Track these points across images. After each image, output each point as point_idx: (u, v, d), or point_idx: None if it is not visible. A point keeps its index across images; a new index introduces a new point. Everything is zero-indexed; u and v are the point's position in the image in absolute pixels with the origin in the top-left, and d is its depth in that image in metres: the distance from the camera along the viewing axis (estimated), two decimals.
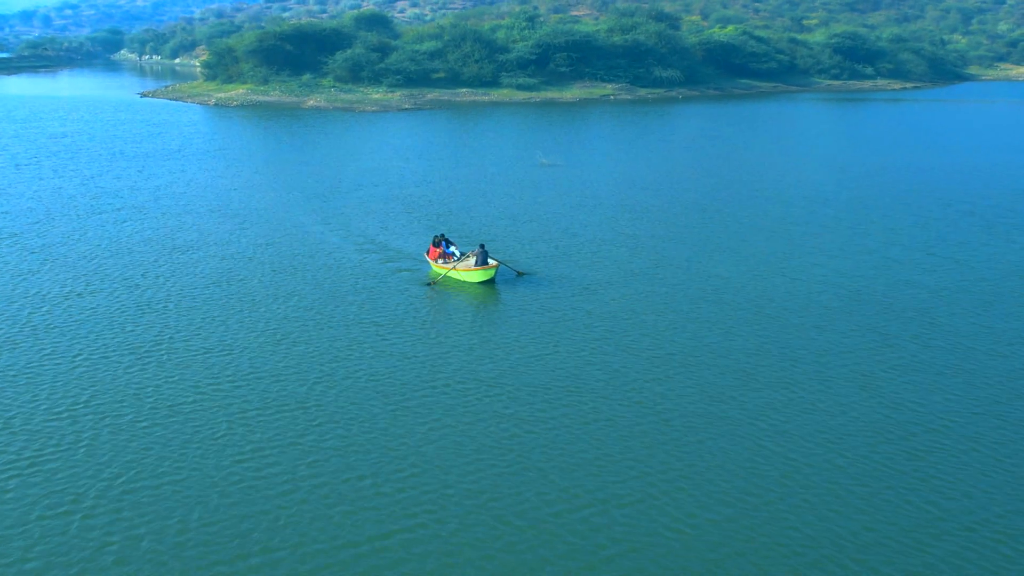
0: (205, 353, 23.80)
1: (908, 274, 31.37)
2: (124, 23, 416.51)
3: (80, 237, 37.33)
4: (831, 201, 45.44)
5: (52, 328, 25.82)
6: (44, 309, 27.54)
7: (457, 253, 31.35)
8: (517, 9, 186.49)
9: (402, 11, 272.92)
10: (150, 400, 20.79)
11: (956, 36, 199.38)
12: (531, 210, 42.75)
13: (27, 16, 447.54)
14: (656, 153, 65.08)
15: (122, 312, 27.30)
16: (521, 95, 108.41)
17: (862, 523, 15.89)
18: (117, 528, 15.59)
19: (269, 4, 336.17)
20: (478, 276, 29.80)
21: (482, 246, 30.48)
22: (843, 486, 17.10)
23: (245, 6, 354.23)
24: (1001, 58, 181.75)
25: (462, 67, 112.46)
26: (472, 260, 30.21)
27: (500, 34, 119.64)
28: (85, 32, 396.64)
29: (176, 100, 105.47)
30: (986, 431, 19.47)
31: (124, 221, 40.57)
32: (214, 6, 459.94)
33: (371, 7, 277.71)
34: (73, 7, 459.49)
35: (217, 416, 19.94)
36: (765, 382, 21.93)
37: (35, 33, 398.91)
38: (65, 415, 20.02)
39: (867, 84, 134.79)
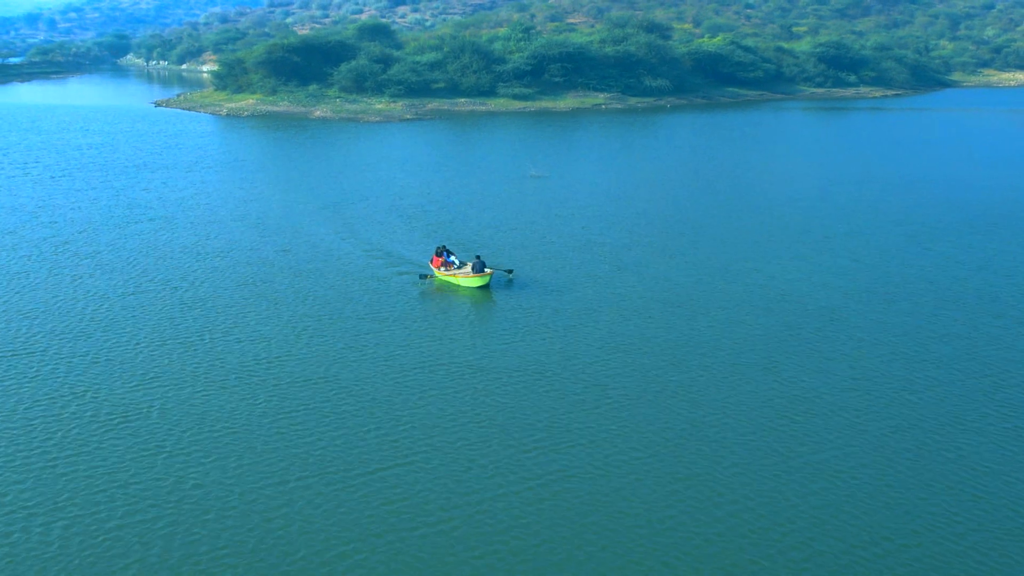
0: (241, 342, 29.56)
1: (828, 277, 37.09)
2: (128, 26, 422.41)
3: (122, 245, 43.08)
4: (780, 212, 51.12)
5: (114, 322, 31.60)
6: (104, 307, 33.32)
7: (456, 262, 36.92)
8: (515, 17, 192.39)
9: (403, 16, 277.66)
10: (203, 378, 26.56)
11: (943, 42, 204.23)
12: (514, 220, 48.49)
13: (32, 19, 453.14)
14: (637, 165, 70.79)
15: (169, 309, 33.09)
16: (517, 104, 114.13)
17: (735, 462, 21.61)
18: (191, 463, 21.36)
19: (272, 9, 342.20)
20: (476, 282, 35.43)
21: (478, 257, 36.20)
22: (728, 438, 22.83)
23: (248, 10, 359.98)
24: (985, 64, 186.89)
25: (461, 77, 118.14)
26: (470, 268, 35.84)
27: (497, 45, 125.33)
28: (90, 35, 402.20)
29: (189, 110, 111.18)
30: (851, 401, 25.19)
31: (158, 230, 46.32)
32: (216, 8, 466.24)
33: (372, 12, 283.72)
34: (77, 10, 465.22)
35: (256, 389, 25.72)
36: (689, 366, 27.66)
37: (40, 36, 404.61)
38: (138, 389, 25.80)
39: (850, 92, 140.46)
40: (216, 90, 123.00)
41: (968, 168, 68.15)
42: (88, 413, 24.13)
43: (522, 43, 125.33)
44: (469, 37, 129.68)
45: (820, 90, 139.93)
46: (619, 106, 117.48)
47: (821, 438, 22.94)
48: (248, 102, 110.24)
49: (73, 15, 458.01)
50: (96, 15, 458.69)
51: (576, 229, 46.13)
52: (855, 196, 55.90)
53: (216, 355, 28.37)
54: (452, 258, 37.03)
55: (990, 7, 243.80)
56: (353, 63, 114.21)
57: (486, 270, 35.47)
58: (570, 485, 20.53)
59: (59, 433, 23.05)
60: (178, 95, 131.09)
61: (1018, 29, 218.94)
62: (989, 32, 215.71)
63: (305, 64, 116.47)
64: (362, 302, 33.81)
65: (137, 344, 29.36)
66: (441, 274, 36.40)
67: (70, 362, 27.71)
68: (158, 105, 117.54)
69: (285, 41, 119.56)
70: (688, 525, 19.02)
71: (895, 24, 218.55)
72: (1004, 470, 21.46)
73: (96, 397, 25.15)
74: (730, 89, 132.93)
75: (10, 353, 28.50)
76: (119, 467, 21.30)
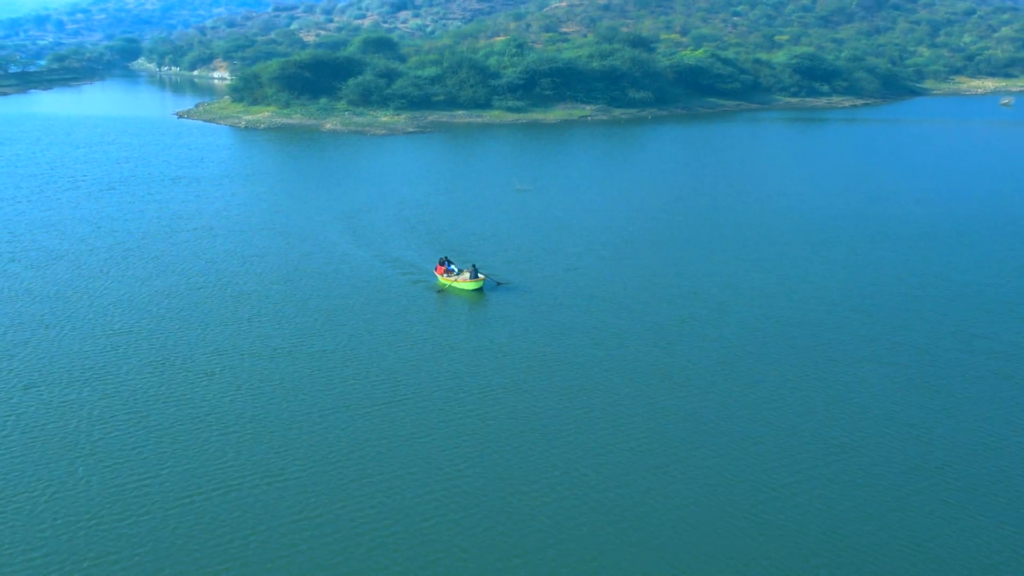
0: (283, 326, 39.97)
1: (730, 278, 47.39)
2: (135, 27, 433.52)
3: (175, 252, 53.40)
4: (716, 221, 61.41)
5: (184, 311, 42.05)
6: (173, 301, 43.73)
7: (456, 269, 46.85)
8: (512, 26, 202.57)
9: (404, 22, 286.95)
10: (255, 350, 37.00)
11: (922, 48, 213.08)
12: (495, 229, 58.82)
13: (40, 20, 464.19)
14: (608, 180, 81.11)
15: (223, 301, 43.51)
16: (510, 116, 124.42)
17: (622, 406, 32.00)
18: (254, 402, 31.80)
19: (277, 13, 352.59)
20: (471, 286, 45.35)
21: (473, 266, 46.14)
22: (621, 391, 33.21)
23: (255, 14, 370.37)
24: (957, 71, 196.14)
25: (459, 91, 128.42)
26: (467, 275, 45.79)
27: (492, 60, 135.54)
28: (98, 36, 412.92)
29: (210, 121, 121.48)
30: (714, 368, 35.53)
31: (202, 239, 56.67)
32: (220, 8, 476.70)
33: (374, 16, 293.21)
34: (84, 11, 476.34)
35: (294, 357, 36.16)
36: (608, 344, 38.01)
37: (49, 38, 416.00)
38: (211, 357, 36.22)
39: (822, 101, 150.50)
40: (233, 102, 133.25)
41: (890, 181, 78.26)
42: (179, 373, 34.63)
43: (516, 58, 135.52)
44: (467, 52, 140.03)
45: (794, 99, 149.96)
46: (604, 117, 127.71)
47: (685, 391, 33.35)
48: (264, 115, 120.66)
49: (80, 16, 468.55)
50: (103, 16, 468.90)
51: (542, 237, 56.47)
52: (783, 207, 66.21)
53: (265, 335, 38.83)
54: (452, 266, 46.93)
55: (971, 12, 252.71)
56: (360, 78, 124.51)
57: (479, 275, 45.45)
58: (508, 414, 31.02)
59: (162, 386, 33.49)
60: (197, 105, 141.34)
61: (994, 36, 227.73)
62: (967, 39, 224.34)
63: (315, 79, 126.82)
64: (373, 297, 44.21)
65: (205, 326, 39.83)
66: (444, 279, 46.37)
67: (159, 339, 38.21)
68: (180, 117, 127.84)
69: (297, 57, 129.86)
70: (578, 438, 29.46)
71: (877, 30, 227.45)
72: (790, 405, 31.84)
73: (182, 363, 35.64)
74: (709, 99, 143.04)
75: (113, 333, 39.02)
76: (205, 406, 31.79)
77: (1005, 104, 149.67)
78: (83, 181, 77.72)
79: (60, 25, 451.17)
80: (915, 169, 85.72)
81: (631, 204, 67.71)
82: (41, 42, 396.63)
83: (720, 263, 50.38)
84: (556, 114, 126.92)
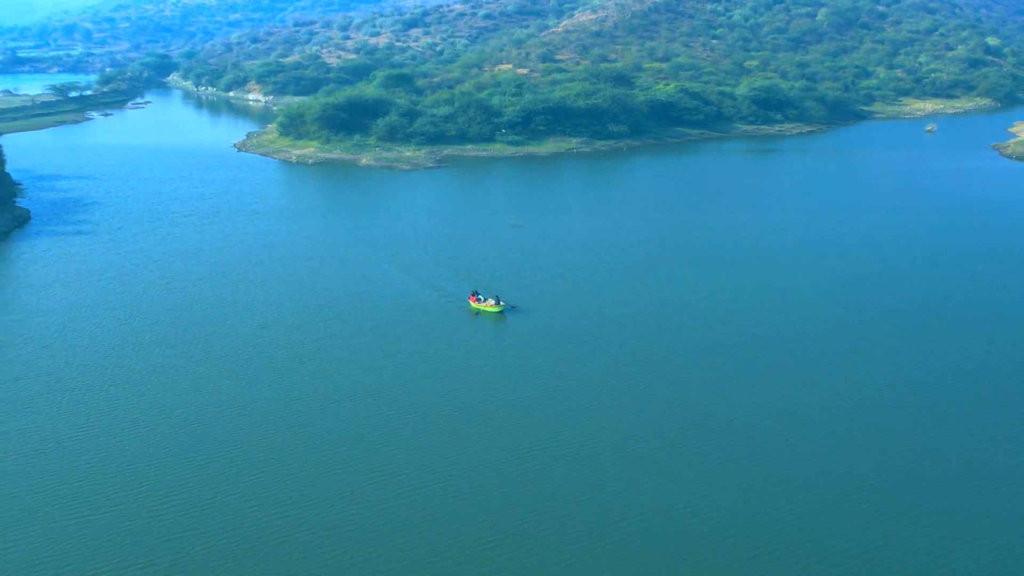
0: (347, 329, 67.00)
1: (625, 297, 74.41)
2: (157, 35, 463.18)
3: (274, 275, 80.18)
4: (639, 253, 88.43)
5: (291, 314, 69.08)
6: (283, 307, 70.80)
7: (483, 298, 72.71)
8: (513, 53, 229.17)
9: (416, 40, 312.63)
10: (337, 336, 64.27)
11: (880, 69, 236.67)
12: (487, 260, 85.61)
13: (69, 30, 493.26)
14: (587, 213, 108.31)
15: (313, 309, 70.51)
16: (510, 149, 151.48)
17: (537, 399, 59.30)
18: (302, 378, 59.06)
19: (297, 28, 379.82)
20: (495, 309, 71.00)
21: (497, 297, 72.40)
22: (562, 377, 60.49)
23: (276, 29, 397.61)
24: (906, 92, 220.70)
25: (468, 127, 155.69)
26: (491, 302, 71.84)
27: (495, 100, 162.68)
28: (125, 46, 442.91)
29: (264, 155, 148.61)
30: (624, 367, 62.60)
31: (286, 265, 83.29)
32: (237, 14, 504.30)
33: (388, 33, 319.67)
34: (109, 20, 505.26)
35: (343, 352, 63.04)
36: (559, 341, 65.14)
37: (79, 48, 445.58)
38: (318, 341, 63.47)
39: (774, 128, 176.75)
40: (280, 135, 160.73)
41: (777, 213, 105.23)
42: (300, 351, 61.83)
43: (515, 98, 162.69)
44: (473, 91, 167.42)
45: (750, 127, 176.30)
46: (587, 149, 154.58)
47: (587, 392, 60.47)
48: (310, 150, 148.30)
49: (106, 25, 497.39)
50: (127, 25, 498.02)
51: (520, 266, 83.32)
52: (695, 240, 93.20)
53: (332, 332, 65.67)
54: (480, 296, 72.91)
55: (934, 30, 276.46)
56: (387, 119, 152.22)
57: (501, 303, 71.75)
58: (504, 381, 58.35)
59: (294, 359, 60.62)
60: (249, 136, 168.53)
61: (949, 55, 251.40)
62: (922, 59, 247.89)
63: (349, 118, 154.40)
64: (413, 312, 71.15)
65: (311, 325, 66.87)
66: (475, 305, 72.16)
67: (285, 331, 65.29)
68: (239, 150, 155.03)
69: (335, 100, 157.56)
70: (531, 416, 56.76)
71: (844, 50, 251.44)
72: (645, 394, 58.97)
73: (300, 346, 62.69)
74: (677, 129, 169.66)
75: (258, 327, 66.15)
76: (322, 365, 59.09)
77: (929, 131, 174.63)
78: (185, 215, 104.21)
79: (88, 34, 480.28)
80: (799, 199, 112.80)
81: (602, 236, 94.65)
82: (73, 52, 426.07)
83: (629, 291, 77.48)
84: (547, 147, 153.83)
